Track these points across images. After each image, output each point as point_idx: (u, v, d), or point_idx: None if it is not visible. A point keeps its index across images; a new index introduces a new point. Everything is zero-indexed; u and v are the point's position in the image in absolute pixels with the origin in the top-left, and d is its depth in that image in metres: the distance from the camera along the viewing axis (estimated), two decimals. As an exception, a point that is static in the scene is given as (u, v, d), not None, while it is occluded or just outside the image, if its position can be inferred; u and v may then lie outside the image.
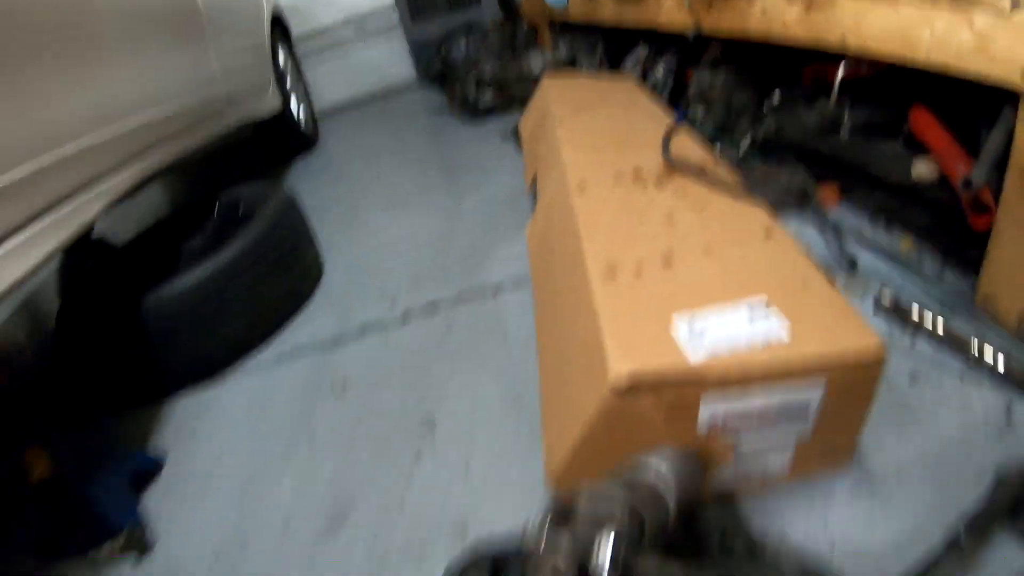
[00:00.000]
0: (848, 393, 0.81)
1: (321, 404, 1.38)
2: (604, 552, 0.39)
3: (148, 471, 1.30)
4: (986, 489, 0.82)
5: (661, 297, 0.88)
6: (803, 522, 0.88)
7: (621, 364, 0.74)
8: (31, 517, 1.15)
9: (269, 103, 2.82)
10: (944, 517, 0.84)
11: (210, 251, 1.55)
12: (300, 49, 3.96)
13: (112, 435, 1.38)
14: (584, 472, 0.81)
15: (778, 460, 0.87)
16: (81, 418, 1.43)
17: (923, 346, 1.12)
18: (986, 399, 1.00)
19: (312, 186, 2.86)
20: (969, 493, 0.85)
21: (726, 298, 0.85)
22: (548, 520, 0.42)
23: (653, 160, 1.37)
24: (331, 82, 4.58)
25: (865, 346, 0.77)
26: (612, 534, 0.41)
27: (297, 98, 3.45)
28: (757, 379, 0.75)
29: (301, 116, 3.46)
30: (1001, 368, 1.01)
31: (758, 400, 0.77)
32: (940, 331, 1.10)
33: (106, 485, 1.18)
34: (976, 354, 1.04)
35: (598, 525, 0.42)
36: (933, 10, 1.05)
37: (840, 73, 1.43)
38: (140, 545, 1.13)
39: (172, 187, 3.21)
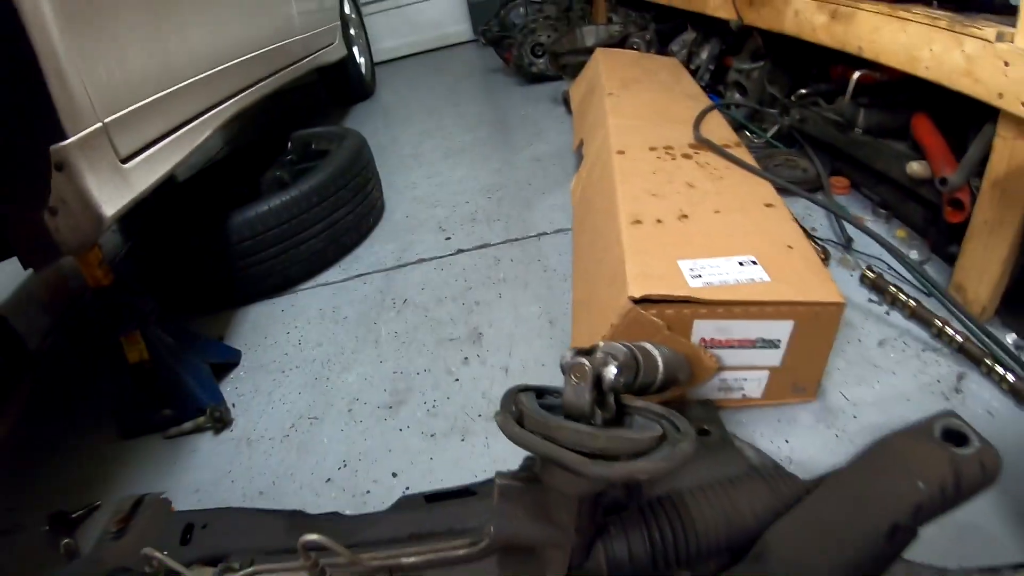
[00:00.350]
0: (812, 334, 1.01)
1: (384, 315, 1.58)
2: (611, 370, 0.60)
3: (228, 361, 1.47)
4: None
5: (674, 242, 1.09)
6: (768, 436, 1.09)
7: (638, 283, 0.96)
8: (124, 397, 1.31)
9: (336, 51, 3.02)
10: None
11: (291, 179, 1.74)
12: (363, 1, 4.12)
13: (197, 330, 1.54)
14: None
15: (755, 383, 1.08)
16: (170, 315, 1.56)
17: (897, 318, 1.30)
18: (941, 367, 1.17)
19: (371, 130, 3.01)
20: None
21: (725, 249, 1.06)
22: (576, 352, 0.63)
23: (685, 135, 1.57)
24: (391, 34, 4.72)
25: (828, 299, 0.98)
26: (616, 362, 0.61)
27: (359, 48, 3.64)
28: (738, 309, 0.96)
29: (362, 65, 3.65)
30: (959, 343, 1.16)
31: (740, 327, 0.98)
32: (912, 306, 1.26)
33: (193, 368, 1.34)
34: (939, 330, 1.20)
35: (608, 357, 0.62)
36: (934, 32, 1.21)
37: (855, 76, 1.58)
38: (221, 421, 1.28)
39: (242, 126, 3.40)
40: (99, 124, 1.02)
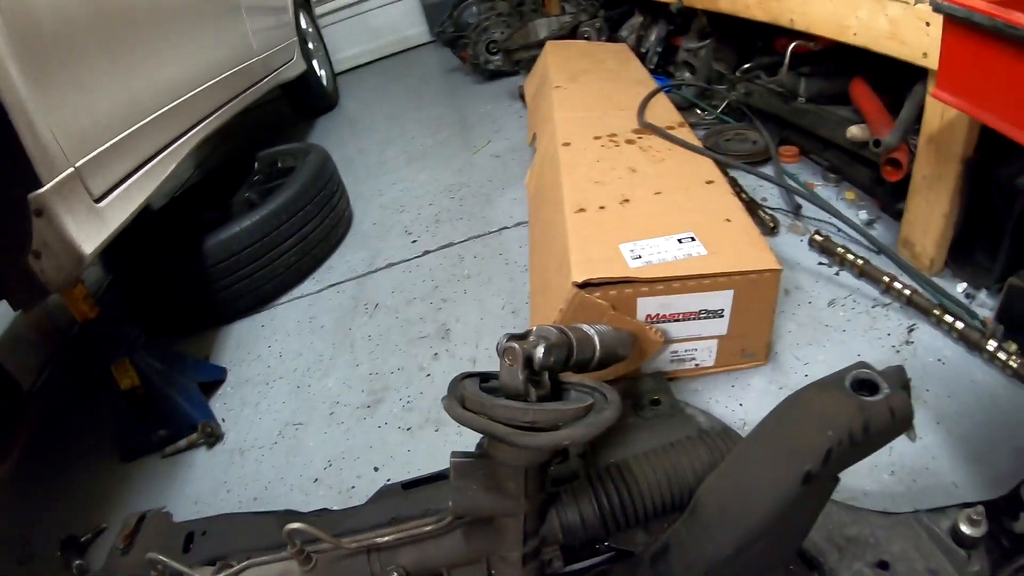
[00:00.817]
0: (753, 302, 1.07)
1: (358, 320, 1.64)
2: (540, 350, 0.66)
3: (215, 379, 1.53)
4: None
5: (615, 227, 1.15)
6: (723, 402, 1.14)
7: (581, 268, 1.02)
8: (120, 422, 1.37)
9: (295, 67, 3.05)
10: None
11: (260, 199, 1.78)
12: (319, 11, 4.15)
13: (182, 352, 1.59)
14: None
15: (705, 352, 1.14)
16: (155, 340, 1.59)
17: (847, 278, 1.34)
18: (891, 321, 1.22)
19: (337, 141, 3.09)
20: None
21: (665, 228, 1.12)
22: (508, 337, 0.68)
23: (630, 121, 1.63)
24: (351, 42, 4.73)
25: (764, 266, 1.03)
26: (546, 343, 0.67)
27: (319, 61, 3.66)
28: (677, 284, 1.02)
29: (323, 77, 3.68)
30: (907, 297, 1.20)
31: (682, 301, 1.04)
32: (860, 264, 1.30)
33: (183, 388, 1.39)
34: (887, 286, 1.24)
35: (539, 339, 0.68)
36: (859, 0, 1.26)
37: (790, 48, 1.64)
38: (213, 435, 1.34)
39: (212, 149, 3.39)
40: (71, 169, 1.08)
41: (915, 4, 1.12)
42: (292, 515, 0.99)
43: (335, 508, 1.08)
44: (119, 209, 1.21)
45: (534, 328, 0.71)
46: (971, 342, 1.09)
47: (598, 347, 0.81)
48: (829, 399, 0.63)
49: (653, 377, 1.08)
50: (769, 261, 1.04)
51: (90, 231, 1.08)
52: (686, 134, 1.54)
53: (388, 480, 1.16)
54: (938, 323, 1.15)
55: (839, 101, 1.63)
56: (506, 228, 1.86)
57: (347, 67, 4.76)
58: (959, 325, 1.11)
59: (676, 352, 1.12)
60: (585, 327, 0.81)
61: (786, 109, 1.76)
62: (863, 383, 0.62)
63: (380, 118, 3.34)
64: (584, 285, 1.00)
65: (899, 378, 0.62)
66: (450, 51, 3.62)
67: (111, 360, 1.32)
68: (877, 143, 1.29)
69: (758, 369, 1.19)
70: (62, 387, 1.71)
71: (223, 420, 1.43)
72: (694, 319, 1.07)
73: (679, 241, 1.08)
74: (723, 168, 1.44)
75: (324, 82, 3.66)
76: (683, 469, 0.78)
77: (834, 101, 1.65)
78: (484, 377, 0.73)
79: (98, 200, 1.15)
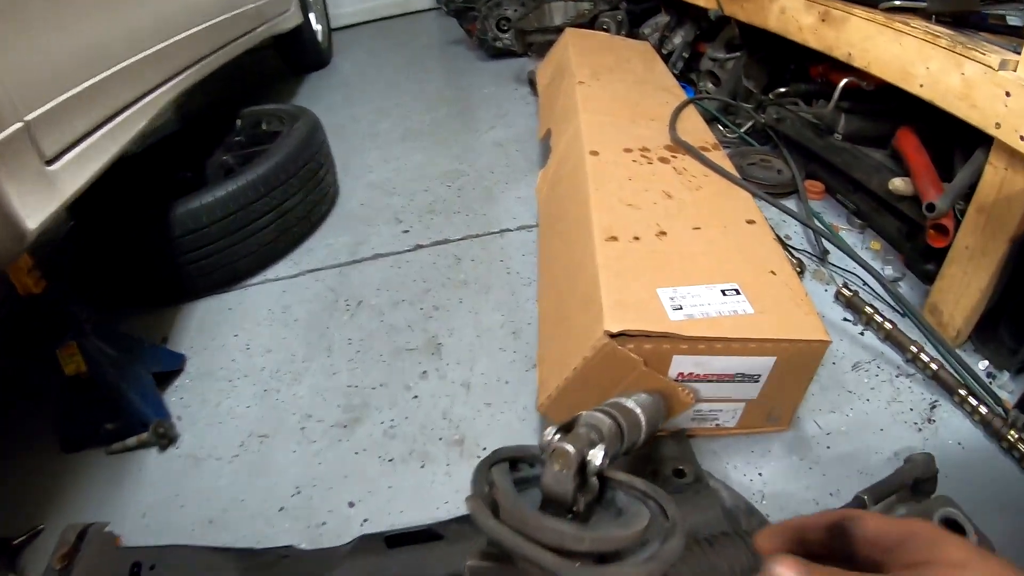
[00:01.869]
0: (792, 371, 0.96)
1: (336, 318, 1.47)
2: (598, 454, 0.53)
3: (171, 368, 1.36)
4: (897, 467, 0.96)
5: (652, 264, 1.02)
6: (741, 468, 1.04)
7: (615, 316, 0.89)
8: (64, 409, 1.21)
9: (291, 19, 2.85)
10: (859, 484, 0.98)
11: (239, 165, 1.61)
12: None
13: (138, 333, 1.41)
14: (570, 403, 0.96)
15: (729, 414, 1.02)
16: (108, 317, 1.45)
17: (870, 339, 1.26)
18: (915, 395, 1.15)
19: (327, 105, 2.87)
20: (884, 469, 1.00)
21: (707, 275, 1.00)
22: (556, 430, 0.55)
23: (661, 135, 1.50)
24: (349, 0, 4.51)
25: (813, 336, 0.92)
26: (603, 442, 0.54)
27: (316, 15, 3.45)
28: (720, 346, 0.90)
29: (319, 32, 3.47)
30: (932, 371, 1.15)
31: (720, 362, 0.92)
32: (887, 328, 1.23)
33: (135, 380, 1.23)
34: (914, 356, 1.17)
35: (592, 432, 0.56)
36: (932, 49, 1.15)
37: (842, 83, 1.52)
38: (166, 437, 1.18)
39: (189, 99, 3.23)
40: (20, 124, 0.90)
41: (997, 70, 1.02)
42: (255, 555, 0.86)
43: (303, 546, 0.95)
44: (74, 174, 1.03)
45: (581, 416, 0.59)
46: (992, 428, 1.04)
47: (643, 431, 0.69)
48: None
49: (675, 440, 0.96)
50: (818, 330, 0.93)
51: (37, 201, 0.91)
52: (721, 159, 1.41)
53: (365, 521, 1.02)
54: (961, 403, 1.10)
55: (876, 144, 1.54)
56: (508, 231, 1.72)
57: (344, 23, 4.53)
58: (983, 410, 1.06)
59: (700, 411, 1.01)
60: (630, 404, 0.69)
61: (819, 143, 1.65)
62: (948, 523, 0.56)
63: (375, 85, 3.14)
64: (617, 334, 0.87)
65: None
66: (456, 22, 3.43)
67: (57, 343, 1.16)
68: (931, 207, 1.19)
69: (779, 435, 1.09)
70: (2, 366, 1.53)
71: (179, 418, 1.26)
72: (728, 381, 0.95)
73: (723, 293, 0.96)
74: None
75: (319, 38, 3.45)
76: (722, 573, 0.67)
77: (871, 143, 1.55)
78: (512, 462, 0.60)
79: (50, 162, 0.97)
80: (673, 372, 0.92)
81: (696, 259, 1.04)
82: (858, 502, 0.89)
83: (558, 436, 0.54)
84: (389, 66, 3.43)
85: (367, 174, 2.14)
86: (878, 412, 1.12)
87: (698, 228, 1.13)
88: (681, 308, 0.92)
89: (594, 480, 0.55)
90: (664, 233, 1.11)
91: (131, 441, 1.18)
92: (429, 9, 4.58)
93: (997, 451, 1.03)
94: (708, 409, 1.01)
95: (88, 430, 1.19)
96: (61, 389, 1.18)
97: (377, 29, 4.42)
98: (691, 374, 0.93)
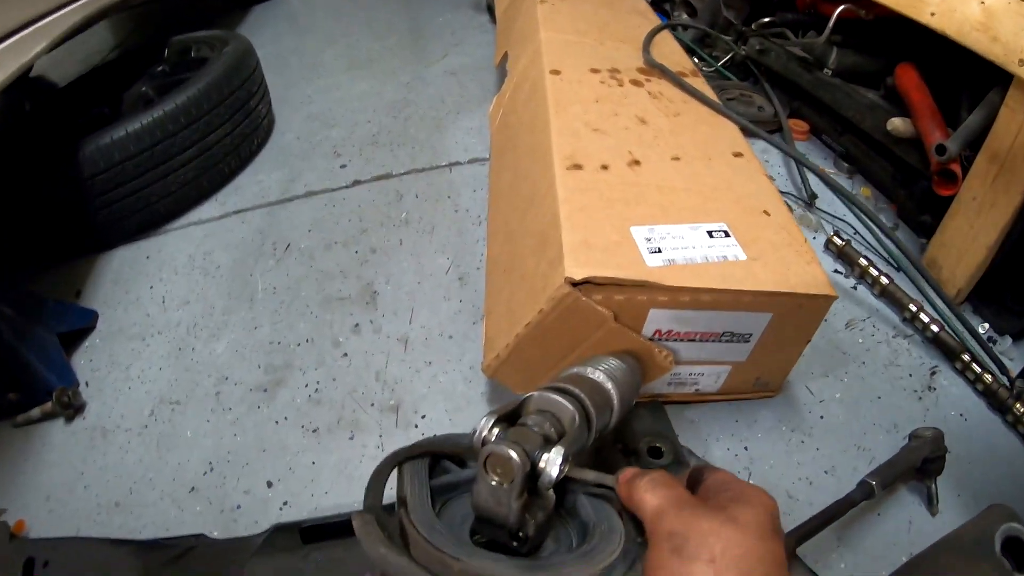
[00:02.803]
0: (789, 330, 0.81)
1: (262, 264, 1.30)
2: (554, 466, 0.36)
3: (80, 326, 1.22)
4: (901, 445, 0.84)
5: (624, 198, 0.84)
6: (724, 441, 0.90)
7: (579, 260, 0.71)
8: None
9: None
10: (855, 462, 0.87)
11: (158, 95, 1.41)
12: None
13: (50, 290, 1.28)
14: (522, 365, 0.79)
15: (712, 378, 0.87)
16: (11, 270, 1.33)
17: (864, 294, 1.14)
18: (913, 359, 1.03)
19: (271, 36, 2.63)
20: (881, 443, 0.89)
21: (690, 212, 0.83)
22: (495, 421, 0.38)
23: (634, 57, 1.30)
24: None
25: (818, 291, 0.77)
26: (561, 444, 0.37)
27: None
28: (707, 298, 0.73)
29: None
30: (933, 333, 1.03)
31: (705, 318, 0.75)
32: (883, 284, 1.11)
33: (39, 344, 1.10)
34: (912, 315, 1.06)
35: (549, 433, 0.38)
36: (948, -27, 1.00)
37: (836, 12, 1.34)
38: (71, 407, 1.06)
39: (121, 28, 2.91)
40: None
41: (1025, -3, 0.87)
42: (158, 548, 0.77)
43: (215, 534, 0.84)
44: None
45: (532, 398, 0.41)
46: (996, 400, 0.94)
47: (616, 412, 0.51)
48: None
49: (651, 410, 0.79)
50: (823, 284, 0.77)
51: None
52: (702, 86, 1.23)
53: (285, 504, 0.88)
54: (963, 370, 1.00)
55: (869, 82, 1.39)
56: (458, 164, 1.52)
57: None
58: (987, 378, 0.96)
59: (678, 374, 0.84)
60: (598, 375, 0.51)
61: (807, 79, 1.49)
62: (1014, 544, 0.45)
63: (323, 14, 2.88)
64: (581, 282, 0.69)
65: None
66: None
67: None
68: (942, 149, 1.04)
69: (766, 402, 0.95)
70: None
71: (86, 384, 1.10)
72: (714, 341, 0.79)
73: (710, 235, 0.78)
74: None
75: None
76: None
77: (863, 80, 1.41)
78: (434, 457, 0.42)
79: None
80: (648, 329, 0.75)
81: (677, 194, 0.86)
82: (865, 489, 0.73)
83: (496, 431, 0.36)
84: (340, -6, 3.15)
85: (306, 105, 1.91)
86: (874, 377, 1.01)
87: (677, 159, 0.95)
88: (660, 251, 0.74)
89: (550, 493, 0.38)
90: (638, 162, 0.92)
91: (35, 412, 1.07)
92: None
93: (1001, 424, 0.93)
94: (688, 372, 0.85)
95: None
96: None
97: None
98: (670, 332, 0.76)
